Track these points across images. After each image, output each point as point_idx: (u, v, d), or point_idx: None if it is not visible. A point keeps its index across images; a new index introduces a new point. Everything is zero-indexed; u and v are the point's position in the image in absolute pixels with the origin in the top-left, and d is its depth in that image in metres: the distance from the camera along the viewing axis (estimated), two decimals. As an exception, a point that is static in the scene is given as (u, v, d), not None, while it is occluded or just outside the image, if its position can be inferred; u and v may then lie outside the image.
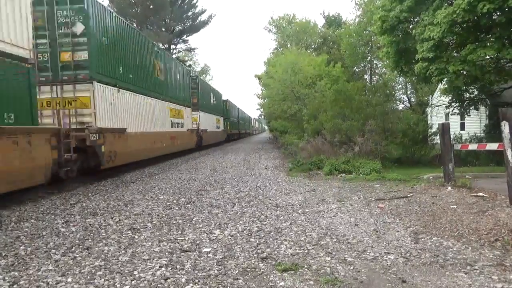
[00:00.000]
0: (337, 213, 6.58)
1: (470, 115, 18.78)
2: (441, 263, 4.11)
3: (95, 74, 11.24)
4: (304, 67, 23.91)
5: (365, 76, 30.70)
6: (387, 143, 14.37)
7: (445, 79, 12.81)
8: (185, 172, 13.47)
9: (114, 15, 12.99)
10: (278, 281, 3.74)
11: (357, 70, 30.49)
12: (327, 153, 13.98)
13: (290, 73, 23.68)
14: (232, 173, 12.84)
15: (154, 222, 6.19)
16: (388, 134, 14.85)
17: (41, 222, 6.41)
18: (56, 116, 10.41)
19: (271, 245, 4.88)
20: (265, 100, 34.48)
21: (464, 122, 21.85)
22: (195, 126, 25.10)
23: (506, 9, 9.97)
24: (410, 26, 13.11)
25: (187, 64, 45.73)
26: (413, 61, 12.67)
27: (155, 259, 4.42)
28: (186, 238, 5.24)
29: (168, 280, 3.80)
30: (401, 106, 26.02)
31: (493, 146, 7.73)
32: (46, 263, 4.37)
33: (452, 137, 9.74)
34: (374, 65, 29.93)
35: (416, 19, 12.85)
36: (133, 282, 3.79)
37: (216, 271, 4.03)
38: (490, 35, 11.25)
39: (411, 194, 7.91)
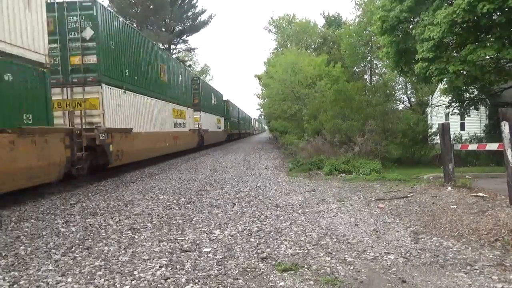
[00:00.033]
0: (337, 213, 6.58)
1: (470, 115, 18.77)
2: (441, 263, 4.11)
3: (103, 77, 11.77)
4: (304, 67, 23.91)
5: (365, 76, 30.71)
6: (387, 143, 14.37)
7: (445, 79, 12.82)
8: (185, 172, 13.47)
9: (121, 20, 13.51)
10: (278, 281, 3.74)
11: (357, 70, 30.49)
12: (327, 153, 13.99)
13: (290, 73, 23.68)
14: (232, 173, 12.84)
15: (154, 222, 6.19)
16: (388, 134, 14.85)
17: (41, 222, 6.41)
18: (69, 117, 11.02)
19: (271, 245, 4.88)
20: (265, 100, 34.49)
21: (464, 122, 21.85)
22: (197, 126, 25.46)
23: (506, 9, 9.97)
24: (410, 26, 13.11)
25: (187, 64, 45.77)
26: (413, 61, 12.67)
27: (155, 259, 4.42)
28: (186, 238, 5.24)
29: (168, 280, 3.80)
30: (401, 106, 26.07)
31: (493, 146, 7.73)
32: (46, 263, 4.37)
33: (452, 137, 9.74)
34: (374, 65, 29.95)
35: (416, 19, 12.84)
36: (133, 282, 3.79)
37: (216, 271, 4.03)
38: (490, 35, 11.25)
39: (411, 194, 7.91)
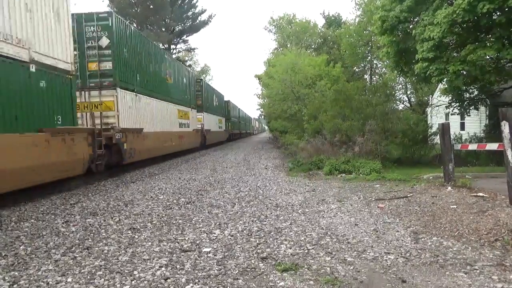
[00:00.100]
0: (337, 213, 6.58)
1: (470, 115, 18.75)
2: (441, 263, 4.11)
3: (118, 81, 12.84)
4: (304, 67, 23.89)
5: (365, 76, 30.68)
6: (387, 143, 14.37)
7: (445, 79, 12.79)
8: (185, 172, 13.47)
9: (133, 29, 14.66)
10: (278, 281, 3.74)
11: (357, 70, 30.49)
12: (327, 153, 13.98)
13: (290, 73, 23.66)
14: (232, 173, 12.84)
15: (154, 222, 6.19)
16: (388, 134, 14.85)
17: (41, 222, 6.41)
18: (91, 118, 11.98)
19: (271, 245, 4.88)
20: (265, 100, 34.49)
21: (464, 122, 21.84)
22: (200, 126, 26.11)
23: (506, 9, 9.97)
24: (410, 26, 13.10)
25: (187, 64, 45.72)
26: (413, 61, 12.66)
27: (155, 259, 4.42)
28: (186, 238, 5.24)
29: (168, 280, 3.80)
30: (401, 106, 26.02)
31: (493, 146, 7.72)
32: (46, 263, 4.37)
33: (452, 137, 9.73)
34: (374, 65, 29.92)
35: (416, 19, 12.84)
36: (133, 282, 3.79)
37: (216, 271, 4.03)
38: (490, 35, 11.24)
39: (411, 194, 7.91)
